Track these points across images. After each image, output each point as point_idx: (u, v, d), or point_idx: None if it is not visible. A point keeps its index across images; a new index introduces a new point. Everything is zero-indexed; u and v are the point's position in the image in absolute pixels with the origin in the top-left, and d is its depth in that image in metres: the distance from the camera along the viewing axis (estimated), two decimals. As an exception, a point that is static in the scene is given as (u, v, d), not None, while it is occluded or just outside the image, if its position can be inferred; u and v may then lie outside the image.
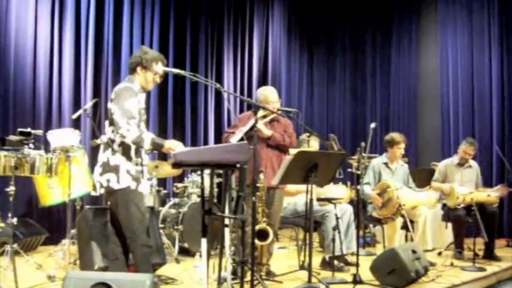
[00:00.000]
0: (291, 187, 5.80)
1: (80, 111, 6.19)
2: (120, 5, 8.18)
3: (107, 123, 4.12)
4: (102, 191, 4.06)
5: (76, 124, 7.08)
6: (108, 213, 4.60)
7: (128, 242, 4.07)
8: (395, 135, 6.73)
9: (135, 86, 4.13)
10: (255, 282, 4.30)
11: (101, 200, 6.25)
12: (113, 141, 4.04)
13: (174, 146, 3.91)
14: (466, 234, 6.72)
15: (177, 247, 6.29)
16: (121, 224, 4.06)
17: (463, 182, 6.77)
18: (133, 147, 4.01)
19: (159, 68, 4.12)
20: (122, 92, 4.02)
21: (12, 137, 5.33)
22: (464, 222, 6.52)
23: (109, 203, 4.20)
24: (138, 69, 4.15)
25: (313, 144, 6.13)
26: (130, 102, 3.97)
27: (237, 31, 9.91)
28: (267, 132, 5.17)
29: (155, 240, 5.28)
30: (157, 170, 6.62)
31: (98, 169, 4.09)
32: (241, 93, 9.82)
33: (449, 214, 6.69)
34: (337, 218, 5.39)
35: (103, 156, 4.08)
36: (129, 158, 4.04)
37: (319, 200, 5.68)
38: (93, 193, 5.97)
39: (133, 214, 4.01)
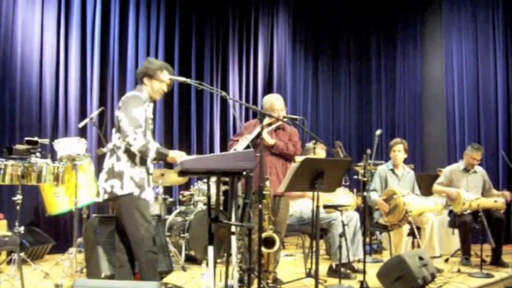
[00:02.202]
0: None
1: (86, 120, 6.22)
2: (125, 13, 8.22)
3: (114, 130, 4.15)
4: (106, 196, 4.08)
5: (82, 133, 7.11)
6: (114, 221, 4.62)
7: (133, 249, 4.08)
8: (392, 140, 6.78)
9: (143, 95, 4.17)
10: (262, 289, 4.30)
11: (107, 208, 6.26)
12: (118, 147, 4.07)
13: (177, 157, 3.95)
14: (473, 241, 6.71)
15: (183, 255, 6.29)
16: (126, 230, 4.07)
17: (469, 187, 6.75)
18: (138, 154, 4.03)
19: (165, 76, 4.14)
20: (130, 100, 4.06)
21: (19, 146, 5.36)
22: (471, 228, 6.50)
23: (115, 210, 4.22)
24: (145, 79, 4.21)
25: (320, 152, 6.12)
26: (137, 111, 4.00)
27: (242, 39, 9.94)
28: (270, 140, 5.15)
29: (162, 248, 5.28)
30: (164, 178, 6.64)
31: (103, 175, 4.12)
32: (247, 100, 9.83)
33: (455, 220, 6.67)
34: (343, 225, 5.38)
35: (108, 162, 4.11)
36: (133, 165, 4.06)
37: (325, 207, 5.68)
38: (96, 199, 6.00)
39: (137, 221, 4.02)
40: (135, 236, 4.03)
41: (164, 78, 4.17)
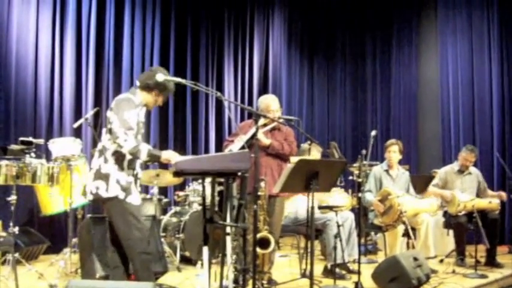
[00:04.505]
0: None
1: (81, 120, 6.21)
2: (121, 14, 8.21)
3: (104, 130, 4.13)
4: (91, 197, 4.06)
5: (77, 133, 7.09)
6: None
7: (126, 251, 4.07)
8: (388, 141, 6.79)
9: (137, 99, 4.15)
10: (257, 290, 4.30)
11: (102, 208, 6.25)
12: (106, 149, 4.05)
13: (171, 157, 3.92)
14: (468, 241, 6.71)
15: (178, 256, 6.28)
16: (117, 232, 4.06)
17: (463, 189, 6.76)
18: (127, 157, 4.01)
19: (160, 77, 4.12)
20: (122, 103, 4.05)
21: (13, 146, 5.35)
22: (466, 229, 6.51)
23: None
24: (147, 88, 4.18)
25: (315, 154, 6.13)
26: (129, 114, 3.99)
27: (238, 39, 9.94)
28: (265, 141, 5.16)
29: (157, 249, 5.28)
30: (159, 179, 6.63)
31: (90, 175, 4.10)
32: (242, 101, 9.83)
33: (450, 221, 6.69)
34: (338, 226, 5.39)
35: (96, 163, 4.09)
36: (121, 168, 4.04)
37: (320, 207, 5.68)
38: (82, 199, 6.00)
39: (129, 222, 4.00)
40: (128, 237, 4.01)
41: (158, 79, 4.14)
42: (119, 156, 4.01)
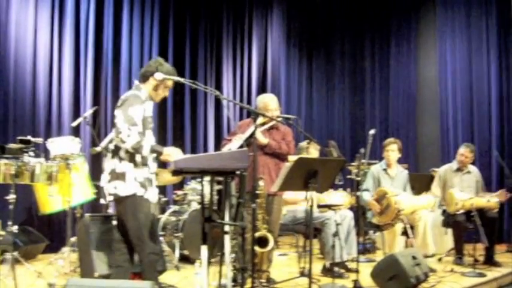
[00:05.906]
0: (289, 196, 5.80)
1: (80, 119, 6.21)
2: (119, 13, 8.21)
3: (114, 130, 4.12)
4: (111, 198, 4.08)
5: (76, 132, 7.08)
6: (109, 221, 4.61)
7: (137, 250, 4.09)
8: (386, 140, 6.79)
9: (143, 94, 4.15)
10: (256, 289, 4.30)
11: (101, 207, 6.25)
12: (119, 148, 4.05)
13: (172, 154, 3.93)
14: (466, 240, 6.71)
15: (177, 254, 6.28)
16: (129, 231, 4.07)
17: (463, 187, 6.76)
18: (132, 151, 4.01)
19: (159, 76, 4.12)
20: (128, 99, 4.05)
21: (12, 145, 5.33)
22: (464, 228, 6.51)
23: (110, 210, 4.21)
24: (151, 79, 4.16)
25: (313, 152, 6.13)
26: (134, 109, 3.99)
27: (236, 38, 9.94)
28: (262, 140, 5.16)
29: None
30: (157, 178, 6.61)
31: (106, 176, 4.10)
32: (241, 100, 9.83)
33: (449, 220, 6.69)
34: (337, 225, 5.39)
35: (110, 163, 4.09)
36: (136, 165, 4.05)
37: (319, 206, 5.68)
38: (89, 198, 6.01)
39: (141, 222, 4.03)
40: (139, 237, 4.03)
41: (158, 78, 4.14)
42: (132, 154, 4.01)
